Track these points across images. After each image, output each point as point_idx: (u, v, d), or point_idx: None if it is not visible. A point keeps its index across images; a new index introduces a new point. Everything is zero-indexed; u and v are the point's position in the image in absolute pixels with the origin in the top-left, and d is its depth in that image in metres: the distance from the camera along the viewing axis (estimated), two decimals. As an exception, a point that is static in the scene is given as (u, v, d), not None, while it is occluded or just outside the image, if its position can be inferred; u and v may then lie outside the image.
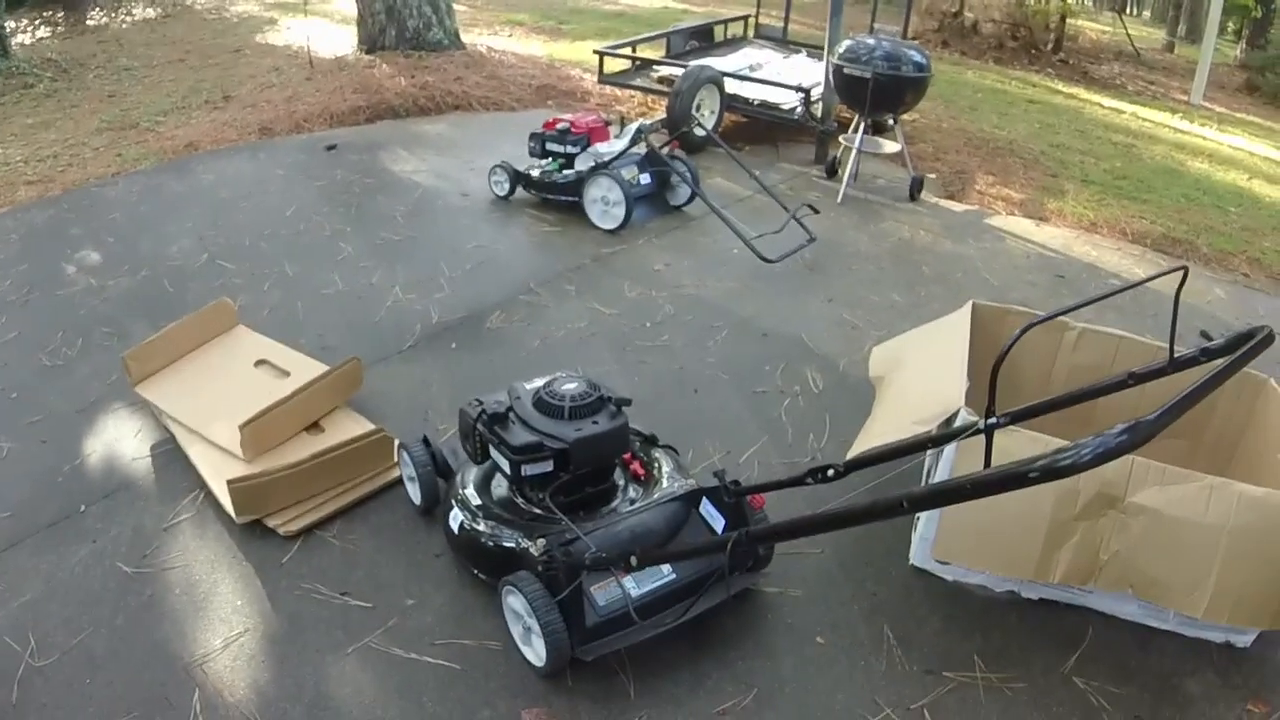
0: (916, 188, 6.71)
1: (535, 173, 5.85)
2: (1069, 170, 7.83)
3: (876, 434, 3.03)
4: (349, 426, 3.50)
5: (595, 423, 2.77)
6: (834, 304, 4.93)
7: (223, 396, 3.58)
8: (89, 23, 12.27)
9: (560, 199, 5.81)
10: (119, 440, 3.64)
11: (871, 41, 6.38)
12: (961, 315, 3.43)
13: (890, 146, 6.74)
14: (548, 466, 2.71)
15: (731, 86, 7.42)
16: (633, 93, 8.41)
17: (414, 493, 3.21)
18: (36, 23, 12.25)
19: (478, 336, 4.39)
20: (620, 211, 5.49)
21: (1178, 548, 2.63)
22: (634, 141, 5.73)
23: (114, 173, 6.47)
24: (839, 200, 6.49)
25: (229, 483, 2.97)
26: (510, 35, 11.25)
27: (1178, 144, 9.53)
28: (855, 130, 6.54)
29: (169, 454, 3.52)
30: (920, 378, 3.28)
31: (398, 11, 9.03)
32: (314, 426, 3.52)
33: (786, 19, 9.66)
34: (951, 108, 9.50)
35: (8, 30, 10.25)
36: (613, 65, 8.20)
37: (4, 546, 3.09)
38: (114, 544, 3.08)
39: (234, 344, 3.95)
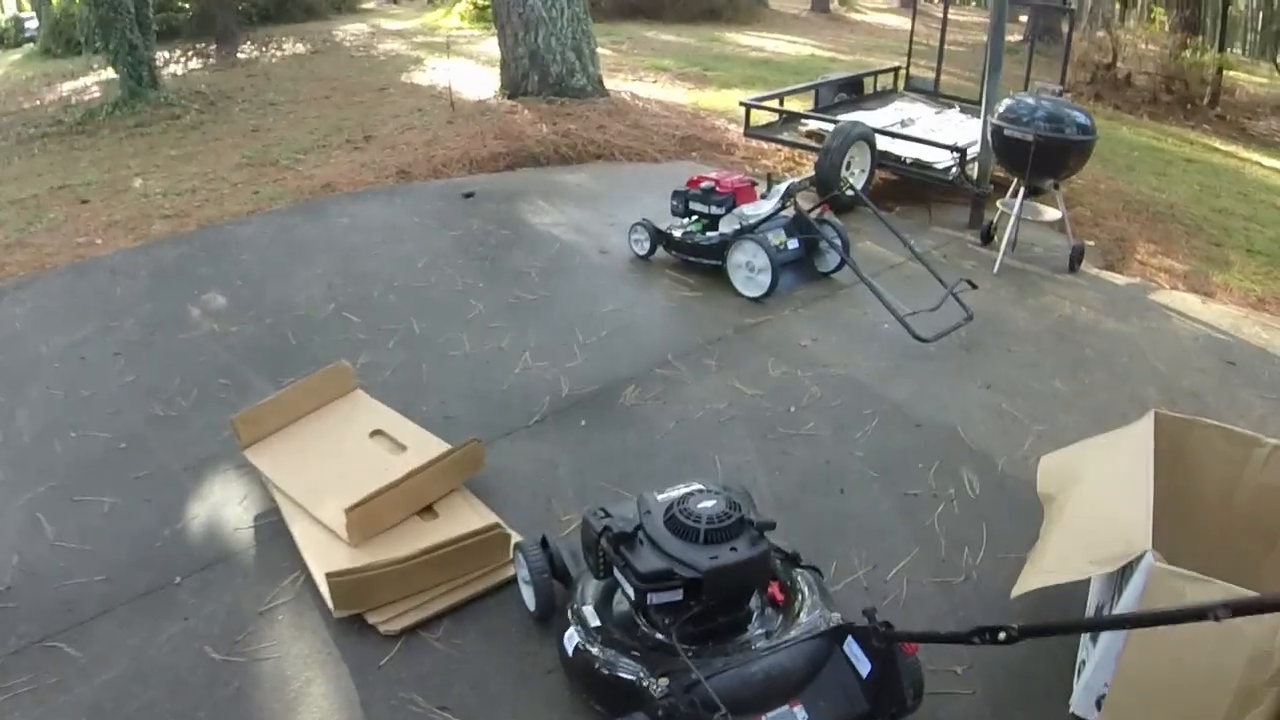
0: (1077, 257, 6.19)
1: (677, 233, 5.52)
2: (1233, 238, 7.27)
3: (1047, 570, 2.65)
4: (464, 514, 3.19)
5: (734, 549, 2.41)
6: (992, 391, 4.47)
7: (333, 469, 3.32)
8: (240, 56, 12.52)
9: (702, 262, 5.46)
10: (223, 506, 3.42)
11: (1032, 101, 5.90)
12: (1144, 428, 2.97)
13: (1051, 213, 6.24)
14: (677, 596, 2.37)
15: (883, 144, 7.02)
16: (779, 147, 8.05)
17: (528, 597, 2.88)
18: (189, 54, 12.53)
19: (610, 413, 4.05)
20: (766, 279, 5.12)
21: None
22: (783, 204, 5.36)
23: (249, 211, 6.38)
24: (995, 270, 6.01)
25: (328, 576, 2.69)
26: (655, 82, 11.03)
27: None
28: (1013, 195, 6.08)
29: (273, 527, 3.26)
30: (1098, 505, 2.83)
31: (541, 57, 8.87)
32: (427, 510, 3.22)
33: (939, 72, 9.20)
34: (1108, 167, 8.92)
35: (161, 62, 10.44)
36: (759, 116, 7.87)
37: (96, 613, 2.90)
38: (206, 624, 2.84)
39: (350, 411, 3.69)
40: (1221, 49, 13.14)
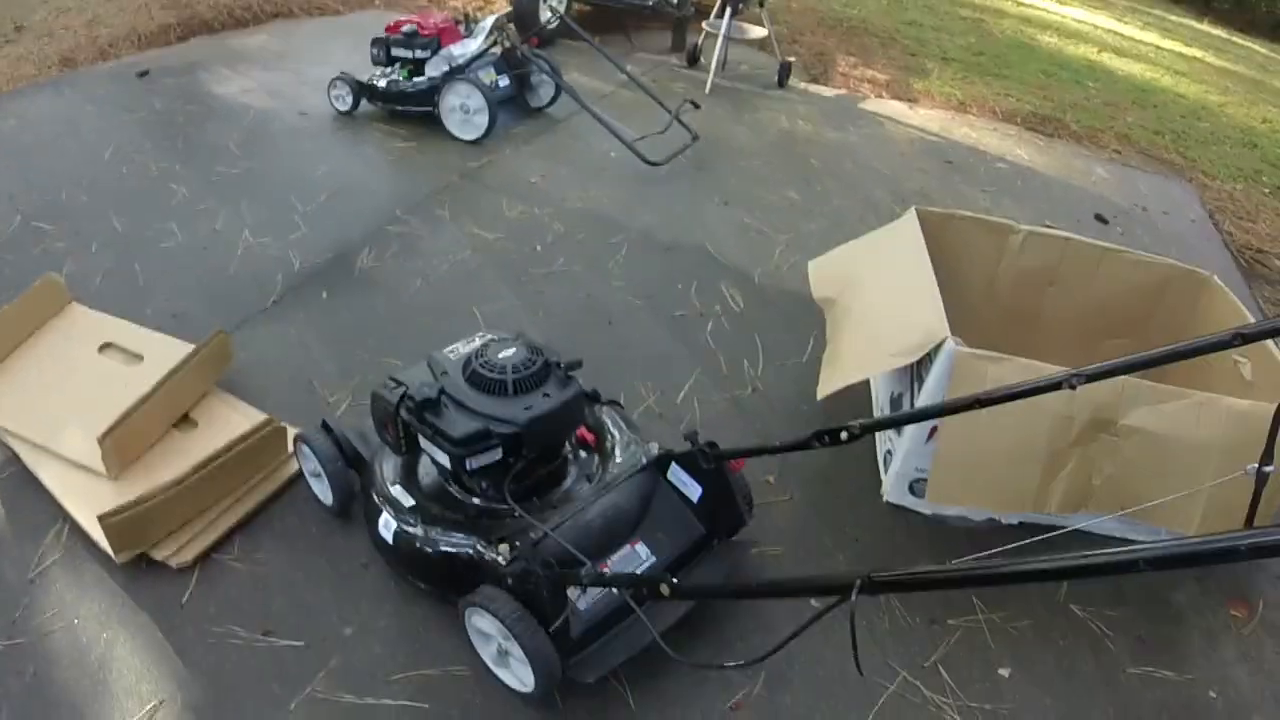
0: (785, 73, 6.38)
1: (382, 83, 5.25)
2: (926, 48, 7.64)
3: (850, 368, 2.74)
4: (227, 417, 2.99)
5: (546, 395, 2.29)
6: (731, 207, 4.59)
7: (69, 397, 3.01)
8: None
9: (412, 110, 5.23)
10: (-55, 463, 3.04)
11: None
12: (909, 225, 3.12)
13: (756, 31, 6.35)
14: (496, 455, 2.23)
15: (577, -29, 6.86)
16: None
17: (322, 491, 2.69)
18: None
19: (350, 280, 3.87)
20: (483, 120, 4.97)
21: (1170, 467, 2.43)
22: (491, 41, 5.16)
23: (-111, 124, 5.55)
24: (707, 90, 6.10)
25: (100, 519, 2.41)
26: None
27: (1024, 18, 9.42)
28: (718, 15, 6.14)
29: (16, 479, 2.88)
30: (886, 302, 2.96)
31: None
32: (184, 419, 2.99)
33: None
34: (794, -16, 9.10)
35: None
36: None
37: None
38: (-31, 606, 2.51)
39: (70, 327, 3.34)
40: None
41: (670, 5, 6.70)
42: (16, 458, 2.87)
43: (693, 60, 6.56)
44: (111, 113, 5.46)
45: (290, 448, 2.82)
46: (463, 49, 5.23)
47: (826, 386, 2.81)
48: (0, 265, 4.00)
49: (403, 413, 2.29)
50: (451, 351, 2.44)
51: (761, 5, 6.19)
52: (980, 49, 7.75)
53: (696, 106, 5.27)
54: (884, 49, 7.48)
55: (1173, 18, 11.61)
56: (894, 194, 4.83)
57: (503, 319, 3.63)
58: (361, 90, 5.32)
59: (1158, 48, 9.28)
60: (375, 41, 5.29)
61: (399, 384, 2.32)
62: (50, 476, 2.76)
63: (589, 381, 2.58)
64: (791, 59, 6.60)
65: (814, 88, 6.42)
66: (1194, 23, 11.65)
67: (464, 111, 5.01)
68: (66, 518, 2.68)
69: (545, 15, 6.41)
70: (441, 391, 2.27)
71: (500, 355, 2.32)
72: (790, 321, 3.73)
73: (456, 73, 5.05)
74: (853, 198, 4.75)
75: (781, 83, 6.37)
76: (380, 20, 7.04)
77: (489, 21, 5.38)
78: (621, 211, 4.46)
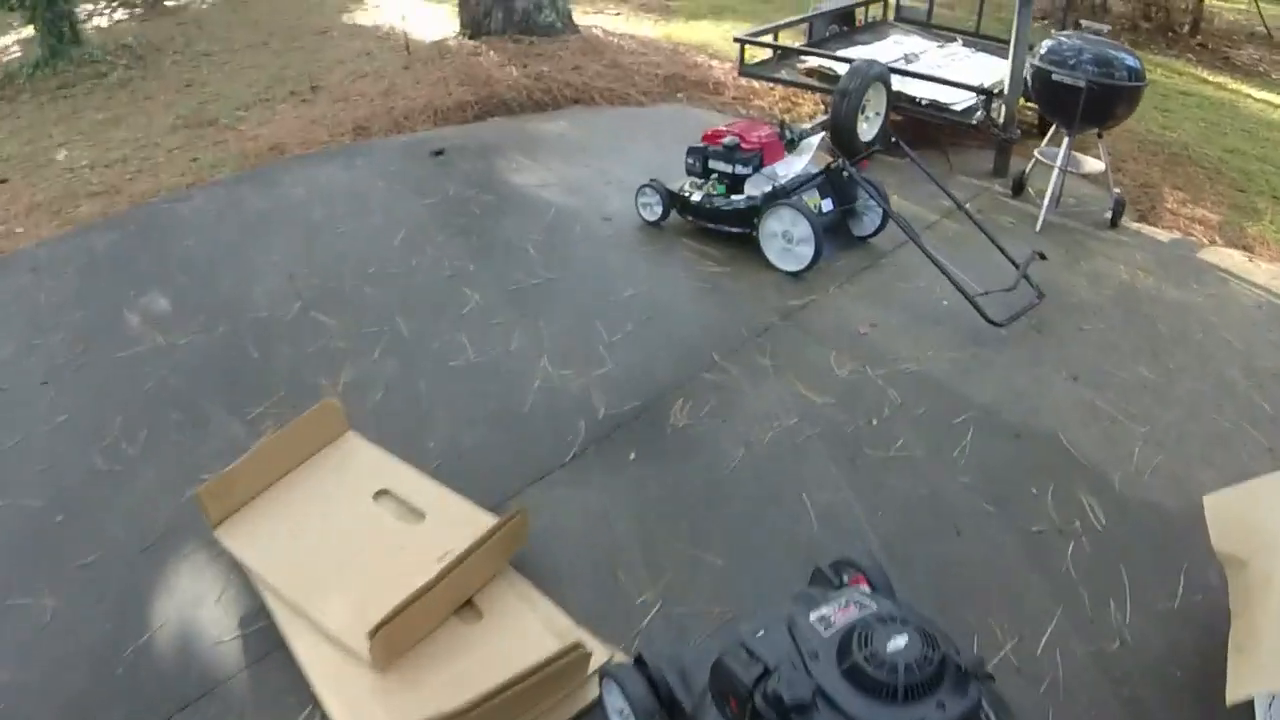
0: (1119, 212, 5.50)
1: (697, 196, 4.68)
2: (1254, 183, 6.65)
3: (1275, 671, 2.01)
4: (519, 614, 2.41)
5: (941, 705, 1.66)
6: (1080, 384, 3.79)
7: (335, 552, 2.53)
8: (167, 3, 11.24)
9: (725, 230, 4.64)
10: (197, 605, 2.60)
11: (1078, 42, 5.13)
12: None
13: (1092, 164, 5.51)
14: None
15: (896, 83, 6.18)
16: (772, 86, 7.18)
17: None
18: (114, 5, 11.23)
19: (661, 439, 3.26)
20: (807, 251, 4.33)
21: None
22: (825, 166, 4.54)
23: (189, 182, 5.43)
24: (1037, 228, 5.29)
25: None
26: (617, 14, 10.03)
27: None
28: (1050, 143, 5.40)
29: (264, 636, 2.45)
30: None
31: None
32: (467, 604, 2.41)
33: (931, 1, 8.36)
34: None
35: (84, 15, 9.26)
36: (752, 53, 6.96)
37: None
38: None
39: (343, 463, 2.86)
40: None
41: (995, 125, 5.93)
42: (265, 610, 2.37)
43: (1018, 189, 5.76)
44: (403, 193, 5.15)
45: (591, 673, 2.18)
46: (787, 168, 4.63)
47: (1239, 687, 2.10)
48: (273, 356, 3.63)
49: (758, 699, 1.73)
50: (817, 613, 1.84)
51: (1100, 135, 5.34)
52: None
53: (1043, 258, 4.48)
54: (1211, 183, 6.52)
55: None
56: (1249, 374, 4.00)
57: (837, 517, 2.94)
58: (672, 201, 4.78)
59: None
60: (692, 151, 4.74)
61: (755, 658, 1.78)
62: (305, 649, 2.28)
63: (932, 604, 2.07)
64: (1116, 189, 5.73)
65: (1146, 229, 5.54)
66: None
67: (786, 240, 4.38)
68: (318, 704, 2.16)
69: (866, 131, 5.77)
70: (816, 695, 1.67)
71: (890, 647, 1.71)
72: (1156, 547, 2.95)
73: (780, 195, 4.43)
74: (1205, 378, 3.92)
75: (1114, 222, 5.49)
76: (683, 116, 6.61)
77: (815, 140, 4.77)
78: (962, 380, 3.71)
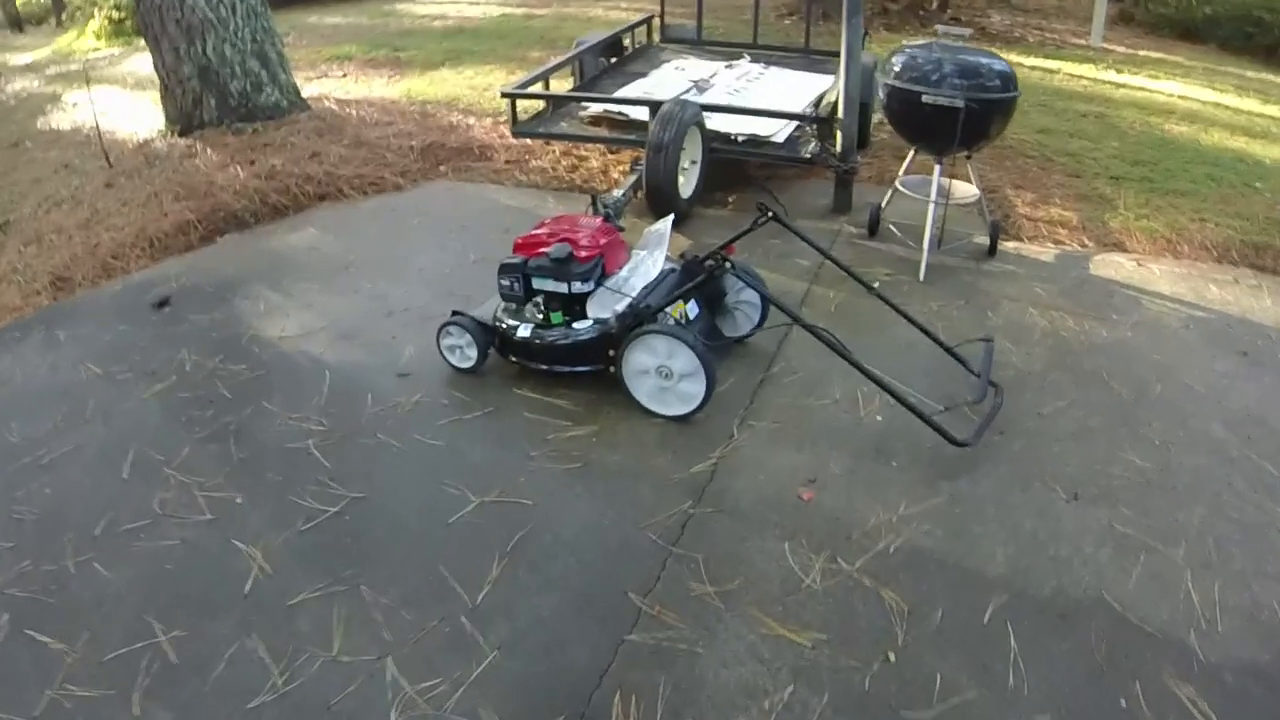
0: (995, 238, 4.69)
1: (523, 332, 3.48)
2: (1083, 165, 6.13)
3: None
4: None
5: None
6: (1084, 504, 2.92)
7: None
8: None
9: (565, 370, 3.47)
10: None
11: (933, 53, 4.26)
12: None
13: (966, 191, 4.65)
14: None
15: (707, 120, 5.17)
16: (550, 144, 6.02)
17: None
18: None
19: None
20: (695, 389, 3.22)
21: None
22: (693, 262, 3.46)
23: None
24: (921, 276, 4.40)
25: None
26: (345, 75, 8.61)
27: (1135, 104, 7.93)
28: (906, 171, 4.57)
29: None
30: None
31: (215, 73, 6.26)
32: None
33: (700, 16, 7.41)
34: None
35: None
36: (522, 106, 5.78)
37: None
38: None
39: None
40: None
41: (832, 157, 5.01)
42: None
43: (874, 228, 4.86)
44: (125, 380, 3.73)
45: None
46: (637, 273, 3.51)
47: None
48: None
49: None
50: None
51: (969, 156, 4.50)
52: (1134, 157, 6.29)
53: (988, 341, 3.58)
54: (1045, 174, 5.93)
55: (1250, 74, 10.15)
56: (1230, 426, 3.32)
57: None
58: (487, 336, 3.56)
59: (1269, 116, 7.75)
60: (505, 269, 3.50)
61: None
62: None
63: None
64: (998, 218, 4.95)
65: (1019, 248, 4.80)
66: (1274, 77, 10.14)
67: (663, 376, 3.24)
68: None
69: (685, 185, 4.73)
70: None
71: None
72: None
73: (640, 314, 3.30)
74: (1196, 448, 3.18)
75: (992, 249, 4.68)
76: (455, 196, 5.42)
77: (665, 226, 3.67)
78: (959, 546, 2.72)
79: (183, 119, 6.37)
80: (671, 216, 3.72)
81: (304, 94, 7.07)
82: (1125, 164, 6.10)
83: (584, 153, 6.00)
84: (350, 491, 3.01)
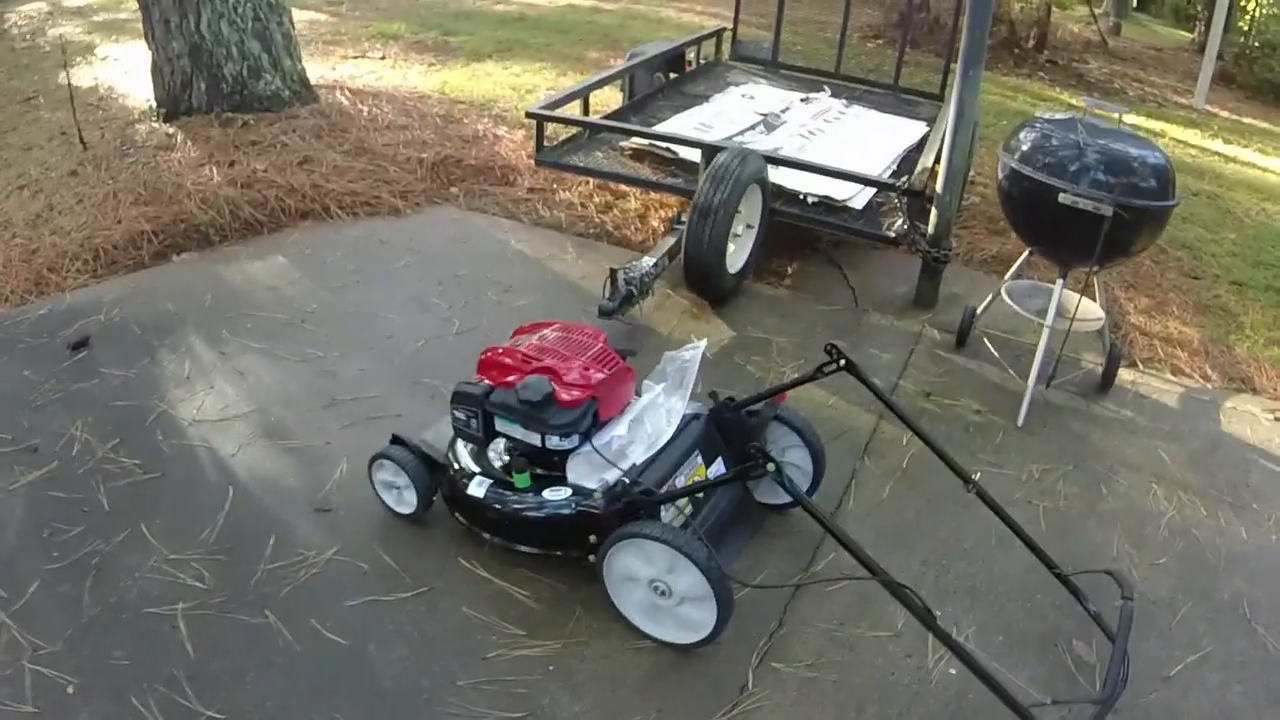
0: (1113, 370, 3.62)
1: (476, 489, 2.47)
2: (1202, 262, 5.13)
3: None
4: None
5: None
6: None
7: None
8: None
9: (530, 551, 2.47)
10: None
11: (1074, 134, 3.19)
12: None
13: (1091, 312, 3.55)
14: None
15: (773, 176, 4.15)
16: (583, 179, 5.00)
17: None
18: None
19: None
20: (706, 616, 2.24)
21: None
22: (723, 419, 2.48)
23: None
24: (1020, 421, 3.35)
25: None
26: (383, 58, 7.62)
27: (1249, 184, 6.96)
28: (1016, 276, 3.55)
29: None
30: None
31: (208, 53, 5.27)
32: None
33: (777, 35, 6.34)
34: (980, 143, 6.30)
35: None
36: (554, 128, 4.79)
37: None
38: None
39: None
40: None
41: (921, 237, 3.96)
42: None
43: (962, 339, 3.82)
44: (6, 460, 2.80)
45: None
46: (639, 429, 2.49)
47: None
48: None
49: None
50: None
51: (1098, 270, 3.42)
52: (1256, 256, 5.22)
53: (1122, 586, 2.54)
54: (1159, 268, 4.90)
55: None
56: None
57: None
58: (432, 478, 2.58)
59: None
60: (460, 399, 2.50)
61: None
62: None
63: None
64: (1119, 346, 3.86)
65: (1138, 381, 3.74)
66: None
67: (658, 593, 2.23)
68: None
69: (735, 257, 3.73)
70: None
71: None
72: None
73: (638, 496, 2.29)
74: None
75: (1106, 385, 3.62)
76: (459, 229, 4.49)
77: (694, 356, 2.66)
78: None
79: (169, 102, 5.43)
80: (703, 344, 2.68)
81: (324, 79, 6.11)
82: (1247, 265, 5.06)
83: (621, 189, 4.99)
84: (205, 709, 2.05)
